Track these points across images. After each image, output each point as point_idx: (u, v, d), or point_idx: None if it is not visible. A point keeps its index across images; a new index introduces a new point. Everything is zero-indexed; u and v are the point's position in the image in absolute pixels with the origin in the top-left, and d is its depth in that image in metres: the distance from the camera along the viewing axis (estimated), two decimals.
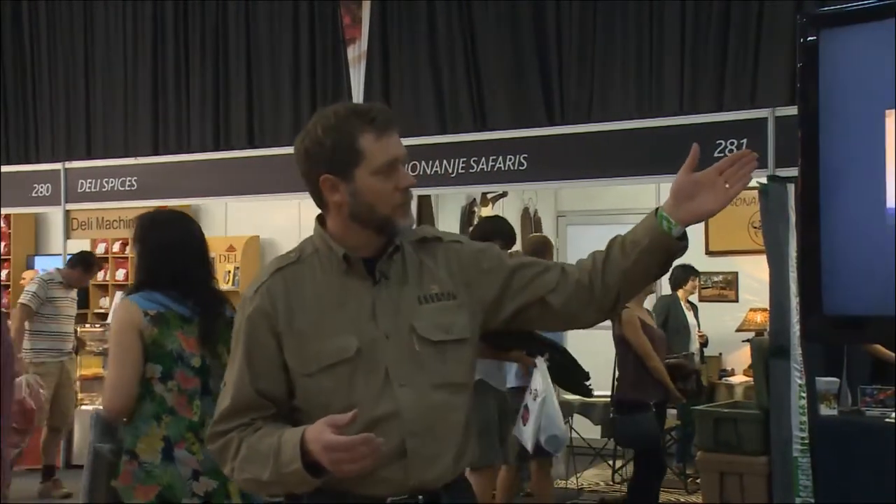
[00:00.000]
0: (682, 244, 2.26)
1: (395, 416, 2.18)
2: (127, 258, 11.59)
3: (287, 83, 9.74)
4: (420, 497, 2.21)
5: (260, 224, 11.27)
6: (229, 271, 11.30)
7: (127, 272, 11.63)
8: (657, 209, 2.28)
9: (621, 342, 6.70)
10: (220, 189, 9.66)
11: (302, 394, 2.24)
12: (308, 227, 9.27)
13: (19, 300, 8.18)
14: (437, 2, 8.92)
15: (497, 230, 5.63)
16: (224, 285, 11.29)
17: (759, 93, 7.53)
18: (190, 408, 3.75)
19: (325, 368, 2.20)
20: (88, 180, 10.10)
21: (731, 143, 7.16)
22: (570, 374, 5.65)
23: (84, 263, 8.38)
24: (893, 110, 2.54)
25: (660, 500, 7.50)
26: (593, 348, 7.65)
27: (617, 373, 7.14)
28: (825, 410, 6.64)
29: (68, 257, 8.99)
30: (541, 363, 5.51)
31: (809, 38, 2.67)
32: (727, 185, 2.23)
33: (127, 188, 9.96)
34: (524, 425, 5.60)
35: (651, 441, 6.81)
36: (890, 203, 2.55)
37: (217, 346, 3.82)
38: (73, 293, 8.48)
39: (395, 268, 2.29)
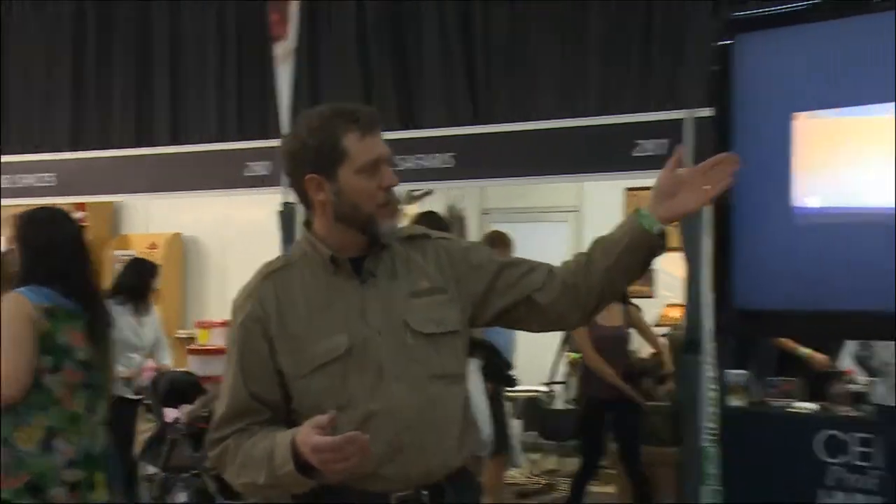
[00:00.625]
0: (662, 241, 2.31)
1: (390, 411, 2.19)
2: None
3: (213, 80, 9.53)
4: (424, 493, 2.21)
5: (183, 221, 11.07)
6: None
7: None
8: (638, 209, 2.33)
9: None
10: (141, 186, 9.38)
11: (297, 396, 2.25)
12: (233, 225, 9.18)
13: None
14: (366, 3, 8.89)
15: (431, 226, 5.59)
16: None
17: (678, 94, 7.63)
18: (73, 400, 3.84)
19: (318, 368, 2.21)
20: (5, 176, 9.82)
21: (650, 143, 7.26)
22: (495, 367, 5.65)
23: None
24: (801, 113, 2.59)
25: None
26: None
27: None
28: (734, 402, 6.79)
29: None
30: (474, 363, 5.50)
31: (723, 42, 2.71)
32: (707, 186, 2.28)
33: (45, 184, 9.70)
34: None
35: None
36: (797, 203, 2.60)
37: (102, 341, 4.00)
38: None
39: (384, 265, 2.30)
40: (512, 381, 5.93)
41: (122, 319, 6.51)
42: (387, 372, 2.19)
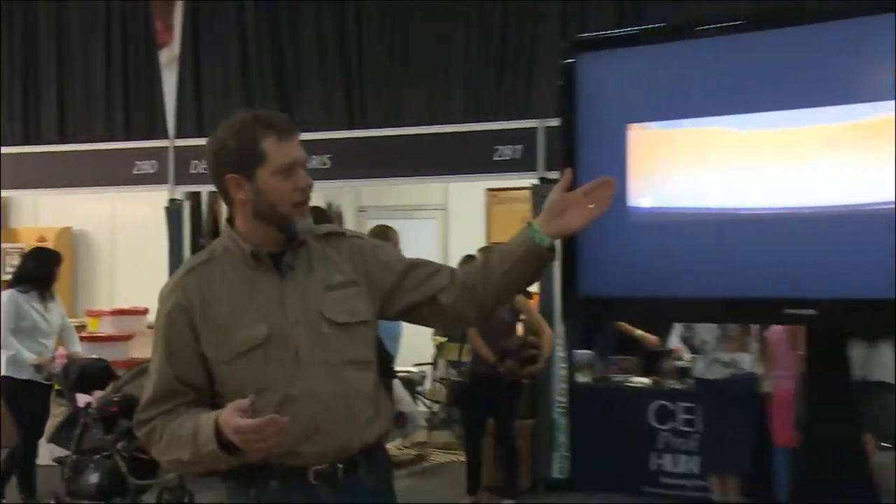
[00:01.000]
0: (551, 254, 2.34)
1: (307, 394, 2.19)
2: None
3: (100, 82, 9.28)
4: (339, 465, 2.21)
5: (72, 216, 10.67)
6: None
7: None
8: (530, 223, 2.35)
9: None
10: (30, 182, 9.17)
11: (220, 380, 2.23)
12: (122, 220, 8.86)
13: None
14: (246, 10, 8.77)
15: (319, 221, 5.51)
16: None
17: (532, 106, 7.78)
18: None
19: (240, 355, 2.20)
20: None
21: (508, 149, 7.38)
22: (381, 360, 5.60)
23: None
24: (634, 124, 2.67)
25: (443, 459, 7.65)
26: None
27: None
28: (580, 378, 6.97)
29: None
30: None
31: (568, 60, 2.76)
32: (591, 206, 2.32)
33: None
34: None
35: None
36: (631, 203, 2.68)
37: None
38: None
39: (301, 260, 2.29)
40: (393, 374, 5.90)
41: (29, 307, 6.36)
42: (303, 358, 2.19)
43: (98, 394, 5.79)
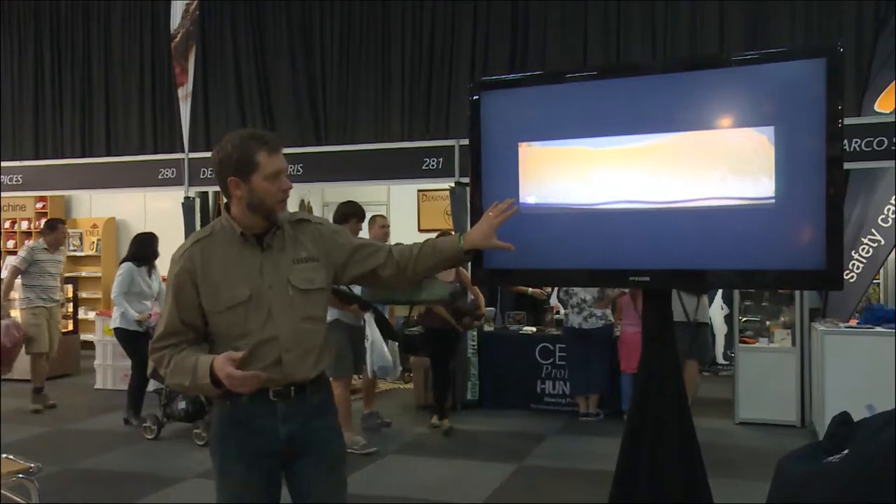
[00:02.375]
0: (467, 257, 2.43)
1: (275, 338, 2.19)
2: (15, 232, 10.78)
3: (136, 111, 9.35)
4: (292, 387, 2.22)
5: (116, 209, 10.61)
6: (93, 242, 10.64)
7: (15, 242, 10.74)
8: (460, 234, 2.42)
9: None
10: (86, 183, 9.06)
11: (212, 324, 2.22)
12: (150, 212, 8.66)
13: (10, 262, 7.00)
14: (241, 60, 8.79)
15: (353, 211, 5.42)
16: (89, 251, 10.61)
17: (450, 128, 7.80)
18: None
19: (228, 308, 2.19)
20: None
21: (433, 160, 7.37)
22: (384, 327, 5.49)
23: (47, 227, 7.01)
24: (523, 143, 2.68)
25: (387, 388, 7.61)
26: None
27: None
28: (487, 328, 7.01)
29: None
30: (369, 317, 5.35)
31: (474, 97, 2.76)
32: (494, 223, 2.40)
33: (14, 182, 9.20)
34: (367, 360, 5.44)
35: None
36: (522, 200, 2.69)
37: None
38: (58, 255, 7.09)
39: (277, 240, 2.26)
40: (393, 335, 5.60)
41: (139, 276, 6.19)
42: (274, 313, 2.19)
43: None
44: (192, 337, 2.23)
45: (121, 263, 6.36)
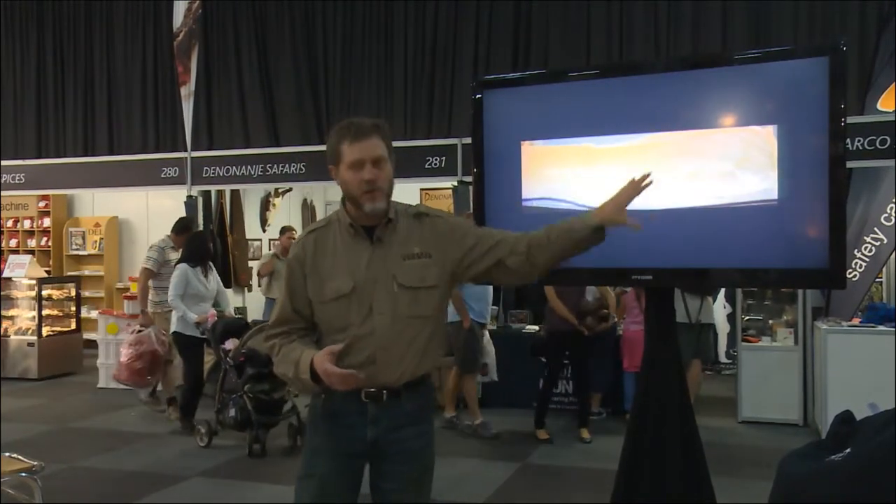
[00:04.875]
0: (598, 235, 2.13)
1: (371, 335, 2.12)
2: (17, 231, 10.79)
3: (138, 110, 9.29)
4: (384, 392, 2.13)
5: (118, 207, 10.58)
6: (96, 241, 10.60)
7: (18, 241, 10.80)
8: (587, 212, 2.16)
9: None
10: (89, 182, 9.08)
11: (317, 314, 2.19)
12: (153, 210, 8.67)
13: (142, 265, 6.51)
14: (243, 59, 8.74)
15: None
16: (92, 250, 10.60)
17: (453, 127, 7.79)
18: None
19: (331, 299, 2.15)
20: None
21: (435, 159, 7.37)
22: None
23: (178, 227, 6.52)
24: (525, 141, 2.68)
25: None
26: None
27: None
28: (490, 326, 6.99)
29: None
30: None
31: (477, 95, 2.76)
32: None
33: (17, 181, 9.26)
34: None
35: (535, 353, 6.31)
36: (524, 197, 2.69)
37: None
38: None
39: (389, 233, 2.18)
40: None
41: (195, 277, 5.79)
42: (375, 308, 2.11)
43: (234, 342, 5.57)
44: (302, 326, 2.21)
45: (175, 265, 5.98)
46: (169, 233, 6.52)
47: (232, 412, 5.34)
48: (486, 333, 6.07)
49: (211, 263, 6.07)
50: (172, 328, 5.89)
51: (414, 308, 2.13)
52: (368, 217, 2.14)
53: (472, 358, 5.91)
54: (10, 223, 10.89)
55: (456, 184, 7.21)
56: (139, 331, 6.30)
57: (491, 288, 6.01)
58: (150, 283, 6.39)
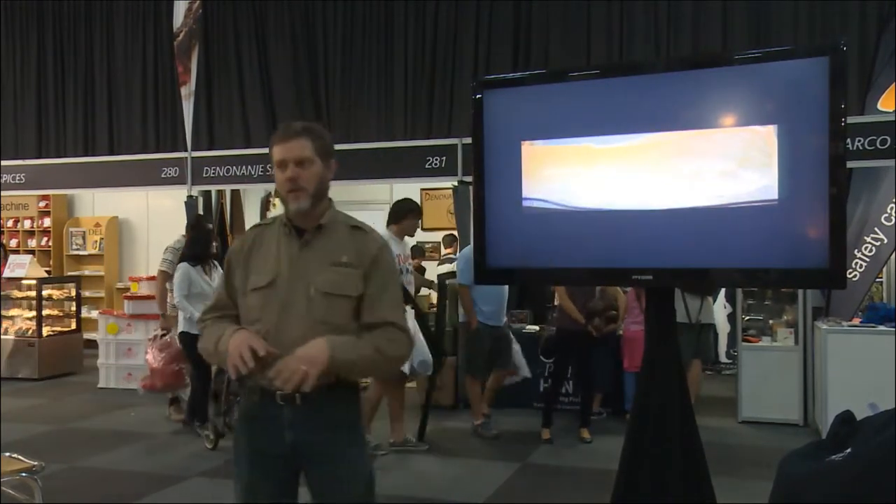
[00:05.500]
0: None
1: (282, 335, 2.10)
2: (18, 231, 10.81)
3: (138, 110, 9.34)
4: (297, 394, 2.08)
5: (118, 207, 10.62)
6: (96, 241, 10.63)
7: (18, 241, 10.82)
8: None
9: None
10: (89, 182, 9.05)
11: (239, 305, 2.25)
12: (153, 210, 8.65)
13: (158, 267, 6.39)
14: (243, 59, 8.74)
15: (409, 207, 5.44)
16: (92, 250, 10.61)
17: (453, 126, 7.79)
18: None
19: (250, 291, 2.20)
20: None
21: (436, 159, 7.37)
22: (423, 323, 5.33)
23: (188, 225, 6.43)
24: (525, 141, 2.68)
25: None
26: None
27: None
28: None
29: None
30: (408, 310, 5.03)
31: (477, 95, 2.76)
32: None
33: (17, 181, 9.21)
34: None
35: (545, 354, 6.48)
36: (524, 198, 2.69)
37: None
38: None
39: (320, 238, 2.20)
40: (428, 331, 5.38)
41: (197, 276, 5.69)
42: (288, 308, 2.12)
43: None
44: (235, 313, 2.25)
45: (177, 265, 5.91)
46: (183, 233, 6.43)
47: (236, 415, 5.30)
48: (510, 334, 5.86)
49: (215, 262, 5.98)
50: (179, 329, 5.83)
51: (328, 314, 2.13)
52: (302, 218, 2.18)
53: (475, 361, 5.82)
54: (10, 223, 10.90)
55: (456, 184, 7.21)
56: (162, 335, 6.21)
57: (506, 289, 5.86)
58: (168, 284, 6.26)
